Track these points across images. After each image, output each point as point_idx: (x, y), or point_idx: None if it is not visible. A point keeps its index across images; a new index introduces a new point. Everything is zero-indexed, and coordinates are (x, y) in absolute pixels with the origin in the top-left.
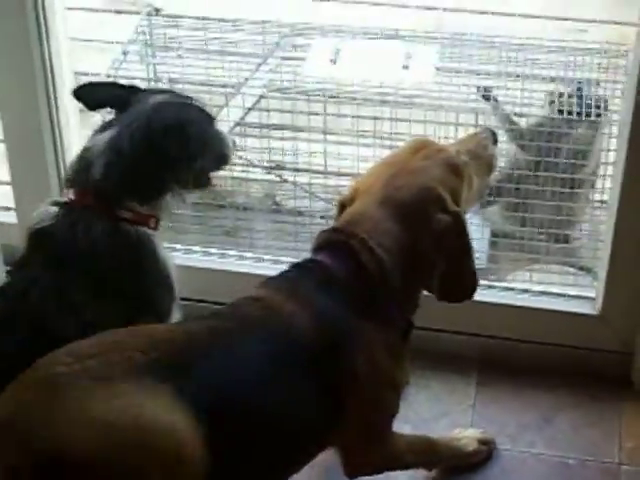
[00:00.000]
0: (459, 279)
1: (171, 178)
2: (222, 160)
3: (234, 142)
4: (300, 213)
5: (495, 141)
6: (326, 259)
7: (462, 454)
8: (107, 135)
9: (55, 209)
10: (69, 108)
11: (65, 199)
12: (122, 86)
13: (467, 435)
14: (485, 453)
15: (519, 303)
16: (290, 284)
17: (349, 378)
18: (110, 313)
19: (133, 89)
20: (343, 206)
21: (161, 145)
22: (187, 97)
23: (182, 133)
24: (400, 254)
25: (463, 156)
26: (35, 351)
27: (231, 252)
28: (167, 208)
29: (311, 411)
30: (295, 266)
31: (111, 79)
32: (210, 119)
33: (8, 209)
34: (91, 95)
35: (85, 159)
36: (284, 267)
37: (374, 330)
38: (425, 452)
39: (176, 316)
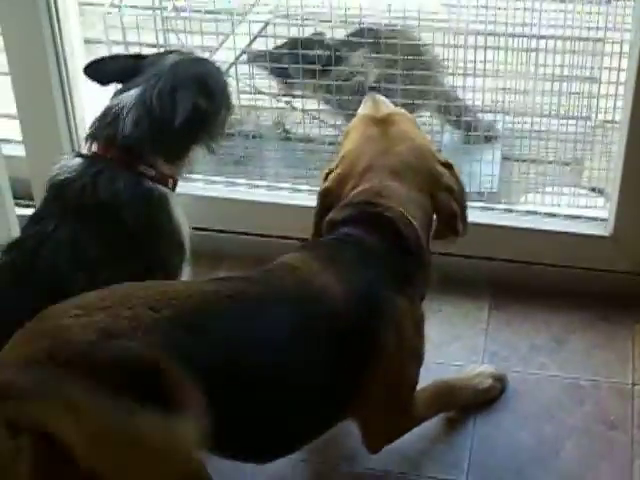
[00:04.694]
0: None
1: (201, 132)
2: (231, 109)
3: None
4: (310, 140)
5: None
6: (364, 234)
7: (477, 392)
8: (134, 93)
9: (78, 160)
10: (74, 39)
11: (88, 152)
12: (128, 56)
13: (480, 372)
14: (499, 389)
15: (531, 226)
16: (329, 255)
17: (377, 351)
18: (123, 268)
19: (139, 57)
20: (326, 195)
21: (189, 100)
22: (192, 52)
23: (207, 87)
24: (425, 220)
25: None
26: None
27: (241, 180)
28: (192, 164)
29: (332, 380)
30: (334, 239)
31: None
32: (221, 70)
33: (17, 142)
34: (101, 72)
35: (112, 115)
36: (294, 195)
37: (406, 303)
38: (443, 401)
39: (185, 275)
